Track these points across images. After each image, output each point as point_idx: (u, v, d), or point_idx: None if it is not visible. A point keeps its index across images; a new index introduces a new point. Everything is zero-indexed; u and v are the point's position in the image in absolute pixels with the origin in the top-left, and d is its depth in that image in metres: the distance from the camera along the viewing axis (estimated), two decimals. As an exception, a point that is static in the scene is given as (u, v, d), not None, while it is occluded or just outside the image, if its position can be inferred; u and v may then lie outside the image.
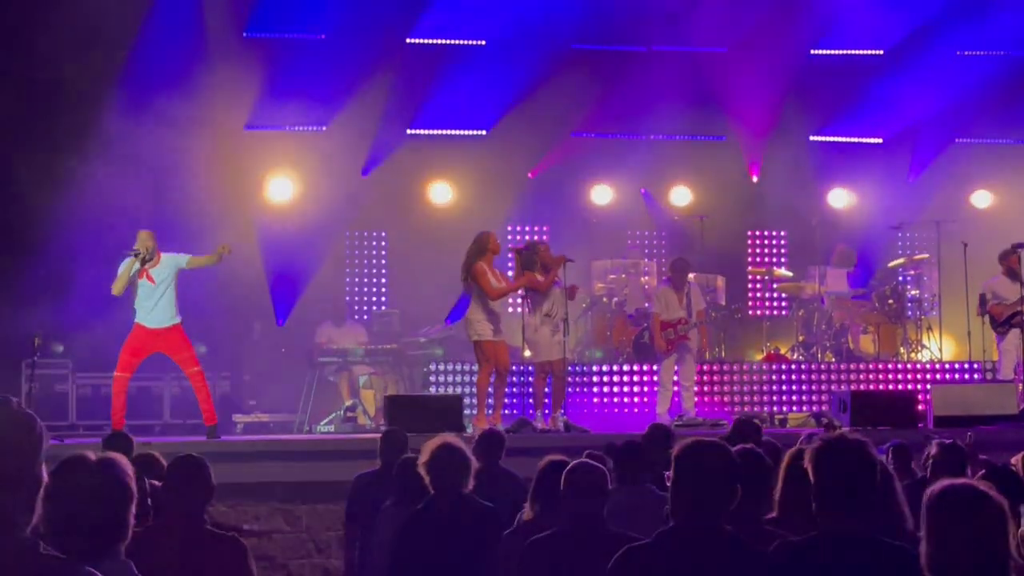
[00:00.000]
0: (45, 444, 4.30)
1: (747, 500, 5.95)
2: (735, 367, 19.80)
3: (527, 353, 17.31)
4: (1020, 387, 17.88)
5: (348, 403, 19.21)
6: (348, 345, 19.76)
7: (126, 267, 15.31)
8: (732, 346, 21.46)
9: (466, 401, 16.60)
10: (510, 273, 17.17)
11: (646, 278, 21.56)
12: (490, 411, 16.19)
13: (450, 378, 18.94)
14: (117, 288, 15.36)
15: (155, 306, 15.31)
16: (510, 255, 17.73)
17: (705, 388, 19.30)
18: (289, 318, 21.14)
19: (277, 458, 14.87)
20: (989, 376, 19.50)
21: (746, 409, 19.12)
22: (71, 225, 18.72)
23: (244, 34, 21.44)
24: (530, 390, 17.21)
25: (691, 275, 19.03)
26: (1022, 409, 16.79)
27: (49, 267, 19.02)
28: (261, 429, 18.67)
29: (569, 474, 7.26)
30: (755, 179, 23.43)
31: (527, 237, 21.85)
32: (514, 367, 17.81)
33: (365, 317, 21.82)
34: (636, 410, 18.92)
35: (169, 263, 15.42)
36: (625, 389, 19.25)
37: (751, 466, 6.57)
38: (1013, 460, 9.33)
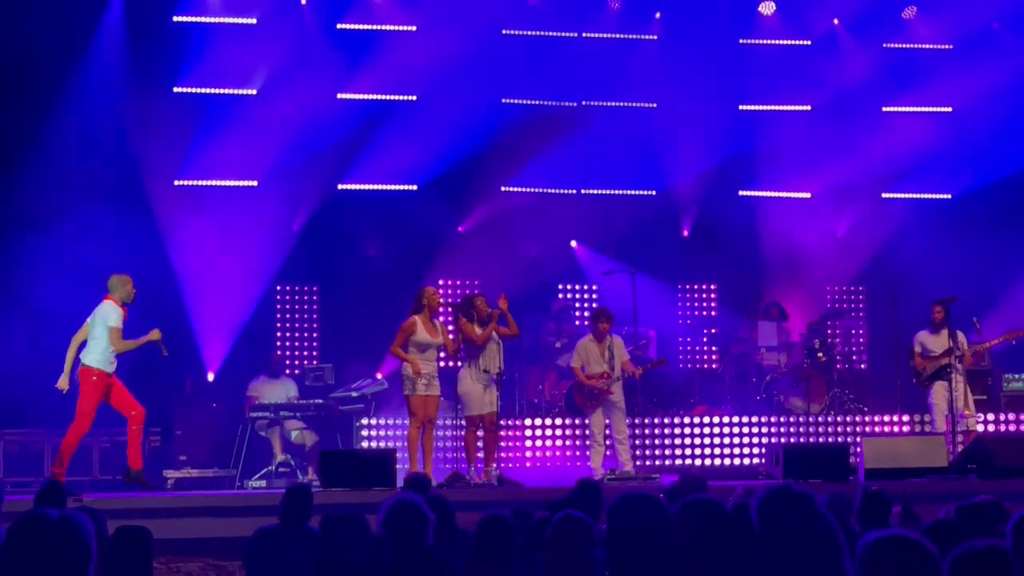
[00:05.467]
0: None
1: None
2: (666, 421, 19.83)
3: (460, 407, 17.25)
4: (952, 439, 18.01)
5: (280, 458, 19.11)
6: (279, 400, 19.67)
7: (138, 342, 15.25)
8: (662, 400, 21.49)
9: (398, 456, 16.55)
10: (450, 328, 17.12)
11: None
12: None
13: (382, 432, 18.90)
14: (124, 348, 15.22)
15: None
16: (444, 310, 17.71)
17: (637, 442, 19.31)
18: (220, 372, 21.04)
19: (210, 514, 14.73)
20: (919, 429, 19.63)
21: (679, 463, 19.18)
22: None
23: (174, 88, 21.41)
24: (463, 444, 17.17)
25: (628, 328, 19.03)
26: (952, 462, 16.89)
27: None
28: (192, 484, 18.52)
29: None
30: (686, 233, 23.55)
31: (459, 291, 21.88)
32: (448, 421, 17.78)
33: (296, 372, 21.72)
34: (569, 464, 18.91)
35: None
36: (558, 443, 19.23)
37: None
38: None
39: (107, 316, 15.13)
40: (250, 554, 10.61)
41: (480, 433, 16.44)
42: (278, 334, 22.57)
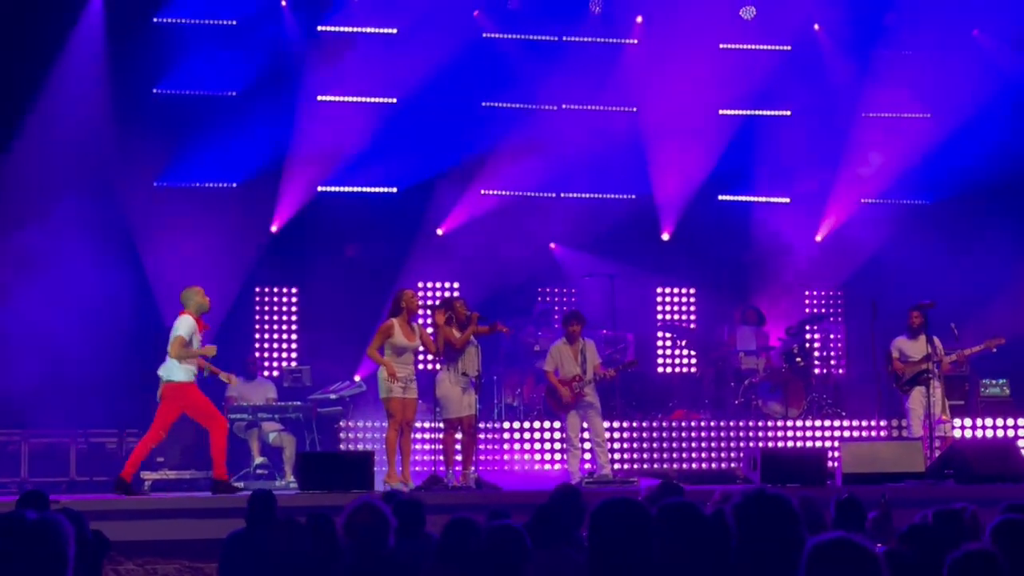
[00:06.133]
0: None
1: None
2: (644, 424, 19.83)
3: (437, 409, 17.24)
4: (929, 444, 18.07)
5: (258, 460, 19.07)
6: (257, 401, 19.63)
7: (197, 351, 15.57)
8: (640, 403, 21.51)
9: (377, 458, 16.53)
10: (429, 330, 17.09)
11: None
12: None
13: (360, 434, 18.88)
14: (181, 355, 15.41)
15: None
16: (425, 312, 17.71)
17: (615, 445, 19.32)
18: (198, 374, 20.94)
19: (187, 515, 14.70)
20: (897, 434, 19.68)
21: (655, 467, 19.20)
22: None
23: (154, 90, 21.39)
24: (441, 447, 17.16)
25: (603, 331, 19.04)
26: (929, 467, 16.94)
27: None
28: (170, 486, 18.46)
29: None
30: (666, 237, 23.56)
31: (438, 294, 21.88)
32: (426, 424, 17.79)
33: (275, 373, 21.67)
34: (548, 467, 18.92)
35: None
36: (536, 446, 19.24)
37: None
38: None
39: (176, 327, 15.42)
40: (223, 558, 10.63)
41: (458, 436, 16.42)
42: (256, 336, 22.52)
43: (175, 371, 15.37)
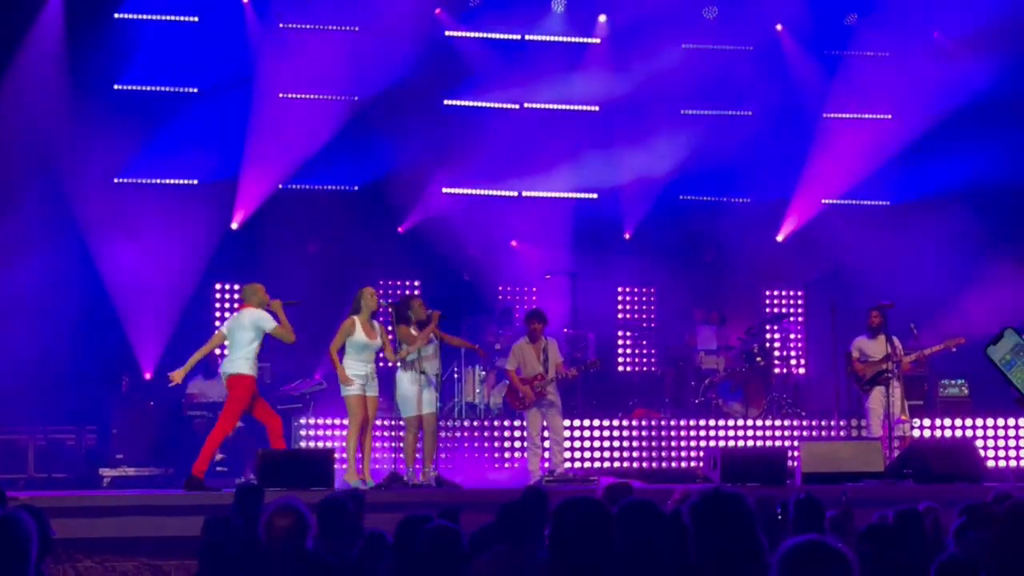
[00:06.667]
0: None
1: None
2: (605, 423, 19.84)
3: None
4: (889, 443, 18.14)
5: (218, 458, 19.00)
6: (218, 398, 19.56)
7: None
8: (601, 402, 21.51)
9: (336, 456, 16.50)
10: (389, 328, 17.07)
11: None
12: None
13: (320, 432, 18.84)
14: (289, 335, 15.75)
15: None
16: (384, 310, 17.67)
17: (576, 444, 19.34)
18: (157, 371, 20.91)
19: (146, 512, 14.64)
20: (856, 433, 19.74)
21: (616, 466, 19.22)
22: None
23: (115, 86, 21.30)
24: (401, 445, 17.14)
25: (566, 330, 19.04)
26: (888, 466, 17.01)
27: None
28: (129, 483, 18.40)
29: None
30: (627, 236, 23.59)
31: (398, 292, 21.83)
32: (387, 422, 17.78)
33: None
34: (508, 465, 18.92)
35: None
36: (496, 444, 19.23)
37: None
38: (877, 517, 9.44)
39: (259, 321, 15.61)
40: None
41: (419, 434, 16.40)
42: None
43: (238, 363, 15.55)
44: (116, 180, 21.31)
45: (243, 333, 15.58)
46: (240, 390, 15.53)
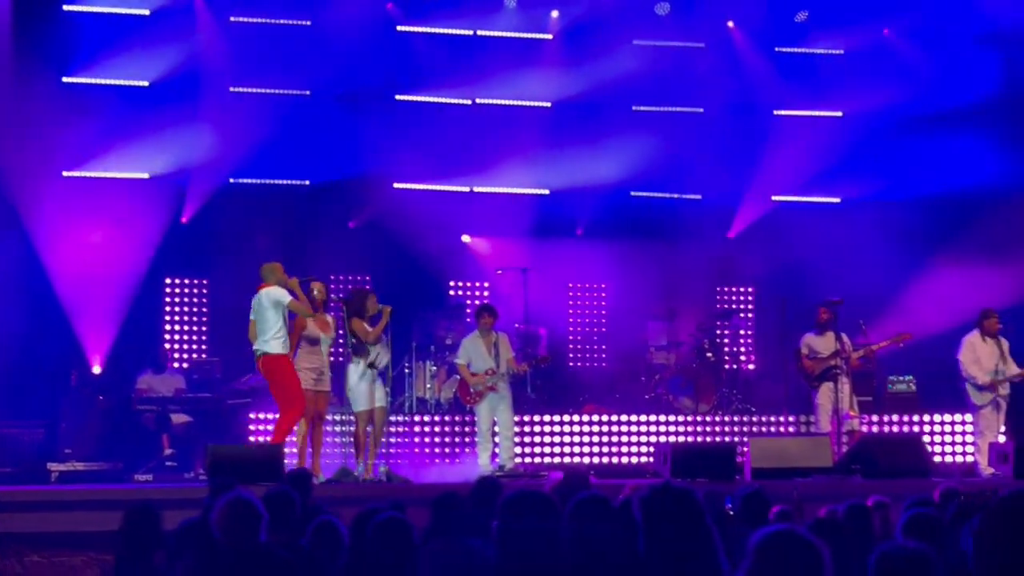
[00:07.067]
0: None
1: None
2: (556, 419, 19.86)
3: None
4: (838, 439, 18.23)
5: (167, 452, 18.95)
6: (167, 393, 19.51)
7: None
8: (552, 397, 21.52)
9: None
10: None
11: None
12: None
13: (270, 427, 18.77)
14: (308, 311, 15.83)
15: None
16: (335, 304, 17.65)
17: (526, 439, 19.35)
18: (106, 365, 20.81)
19: (94, 507, 14.56)
20: (805, 429, 19.82)
21: (566, 461, 19.24)
22: None
23: (63, 79, 21.17)
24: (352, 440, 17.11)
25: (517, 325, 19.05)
26: (837, 461, 17.09)
27: None
28: (78, 477, 18.30)
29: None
30: (579, 232, 23.60)
31: (350, 287, 21.78)
32: (337, 416, 17.75)
33: (185, 365, 21.53)
34: (458, 460, 18.90)
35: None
36: (447, 439, 19.21)
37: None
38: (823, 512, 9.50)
39: (276, 297, 15.62)
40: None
41: (369, 429, 16.38)
42: (167, 327, 22.38)
43: (271, 344, 15.55)
44: (65, 174, 21.16)
45: (266, 313, 15.59)
46: (281, 370, 15.62)
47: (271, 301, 15.56)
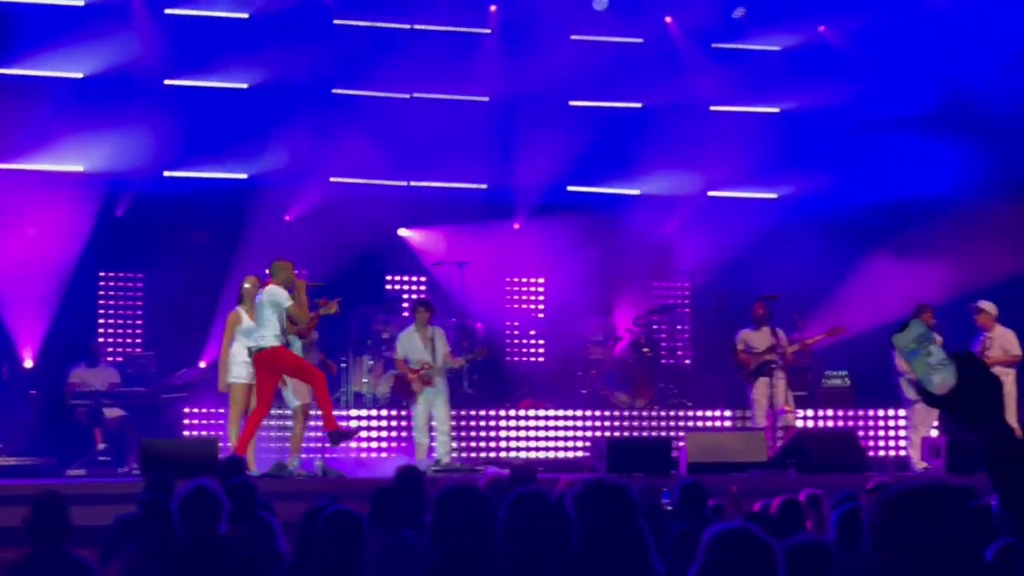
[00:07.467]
0: None
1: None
2: (492, 413, 19.86)
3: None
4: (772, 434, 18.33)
5: (101, 447, 18.82)
6: (100, 387, 19.37)
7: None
8: (488, 392, 21.51)
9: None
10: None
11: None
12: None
13: (204, 420, 18.71)
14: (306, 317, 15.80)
15: None
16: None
17: (462, 434, 19.35)
18: (38, 359, 20.66)
19: (26, 502, 14.39)
20: (741, 424, 19.91)
21: (502, 456, 19.25)
22: None
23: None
24: (287, 434, 17.05)
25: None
26: (772, 456, 17.19)
27: None
28: (9, 472, 18.14)
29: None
30: (517, 227, 23.60)
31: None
32: (273, 411, 17.68)
33: (119, 359, 21.39)
34: (395, 455, 18.87)
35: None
36: (383, 434, 19.19)
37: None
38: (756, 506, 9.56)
39: (276, 297, 15.53)
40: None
41: (305, 423, 16.33)
42: (101, 321, 22.23)
43: (268, 339, 15.45)
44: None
45: (264, 310, 15.52)
46: (279, 362, 15.57)
47: (270, 300, 15.51)
